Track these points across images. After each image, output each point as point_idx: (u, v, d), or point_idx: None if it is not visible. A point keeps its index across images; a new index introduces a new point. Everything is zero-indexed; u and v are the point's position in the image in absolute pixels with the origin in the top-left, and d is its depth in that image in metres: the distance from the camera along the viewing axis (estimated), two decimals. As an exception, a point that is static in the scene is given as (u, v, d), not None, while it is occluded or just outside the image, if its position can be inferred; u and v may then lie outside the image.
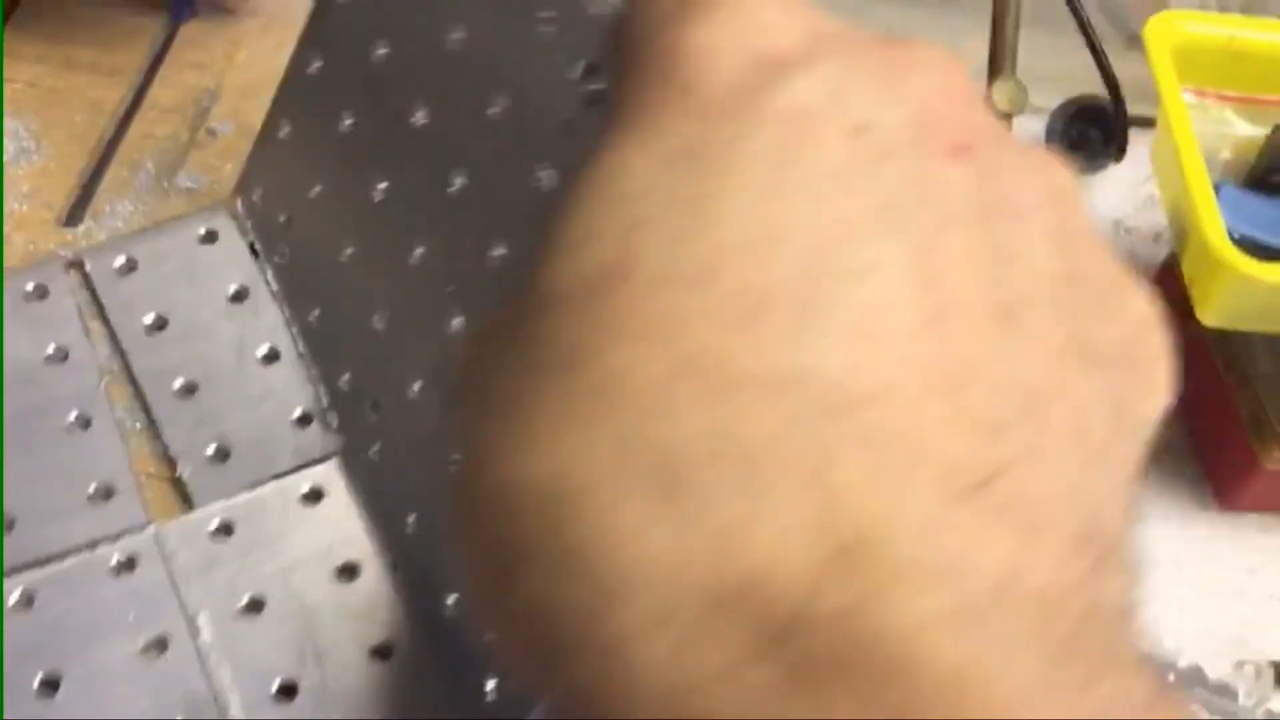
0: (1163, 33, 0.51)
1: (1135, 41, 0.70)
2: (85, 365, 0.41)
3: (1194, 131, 0.49)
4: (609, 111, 0.17)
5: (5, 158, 0.50)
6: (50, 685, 0.34)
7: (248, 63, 0.54)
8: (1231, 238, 0.46)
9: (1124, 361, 0.19)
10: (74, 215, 0.49)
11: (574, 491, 0.14)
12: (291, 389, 0.41)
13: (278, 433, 0.40)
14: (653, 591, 0.14)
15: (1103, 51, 0.56)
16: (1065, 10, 0.56)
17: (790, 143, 0.16)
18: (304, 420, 0.40)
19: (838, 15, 0.68)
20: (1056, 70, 0.67)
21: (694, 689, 0.14)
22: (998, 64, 0.55)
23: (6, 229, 0.47)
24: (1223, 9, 0.67)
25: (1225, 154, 0.53)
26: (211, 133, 0.52)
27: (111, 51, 0.54)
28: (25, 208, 0.48)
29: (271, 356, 0.41)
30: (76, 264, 0.45)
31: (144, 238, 0.46)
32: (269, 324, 0.42)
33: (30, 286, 0.43)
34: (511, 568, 0.15)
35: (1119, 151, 0.58)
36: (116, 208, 0.49)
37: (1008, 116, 0.54)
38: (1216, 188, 0.49)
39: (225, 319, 0.42)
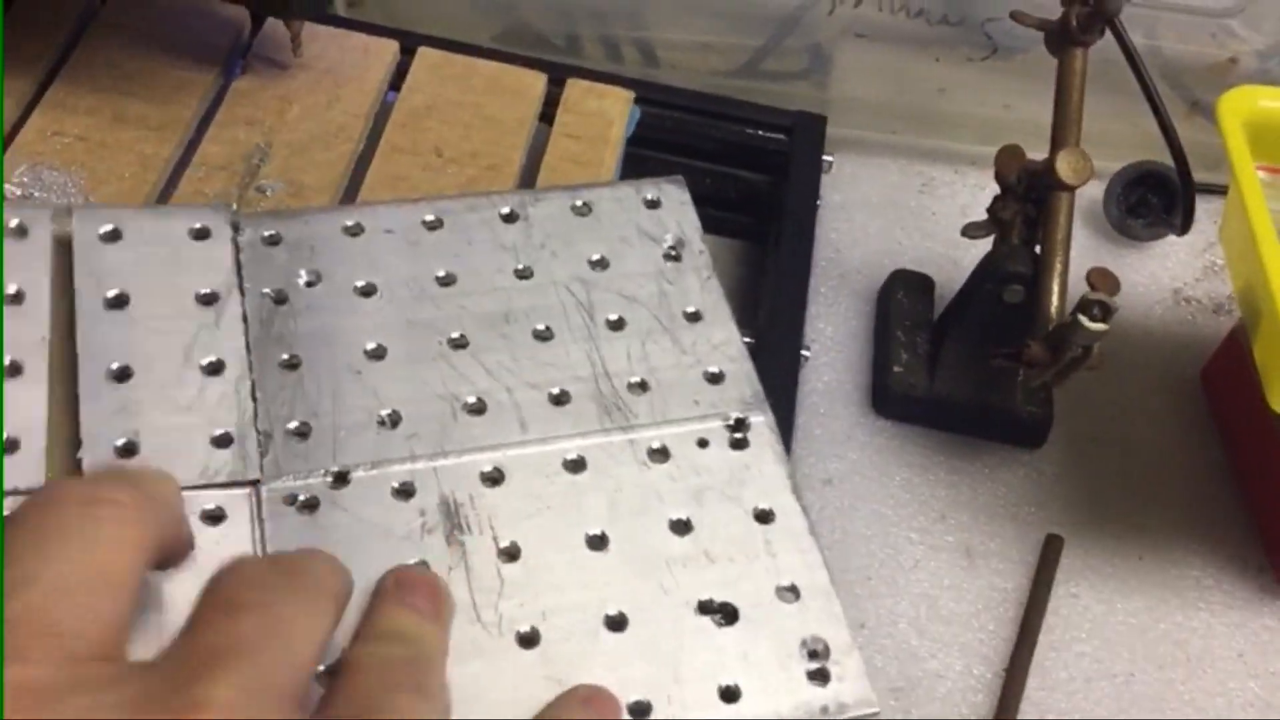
0: (1236, 108, 0.50)
1: (1196, 107, 0.69)
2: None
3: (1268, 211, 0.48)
4: None
5: (53, 213, 0.49)
6: None
7: (299, 119, 0.54)
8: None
9: None
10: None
11: None
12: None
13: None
14: None
15: (1170, 123, 0.54)
16: (1125, 72, 0.55)
17: None
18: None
19: (900, 79, 0.66)
20: (1115, 134, 0.66)
21: None
22: (1061, 135, 0.53)
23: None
24: (1290, 78, 0.65)
25: (1299, 233, 0.52)
26: (261, 190, 0.51)
27: (163, 105, 0.53)
28: (72, 265, 0.48)
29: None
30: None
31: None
32: None
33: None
34: None
35: (1185, 226, 0.57)
36: (163, 267, 0.48)
37: (1072, 188, 0.52)
38: (1290, 269, 0.47)
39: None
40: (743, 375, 0.43)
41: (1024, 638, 0.53)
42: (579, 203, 0.46)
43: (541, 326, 0.42)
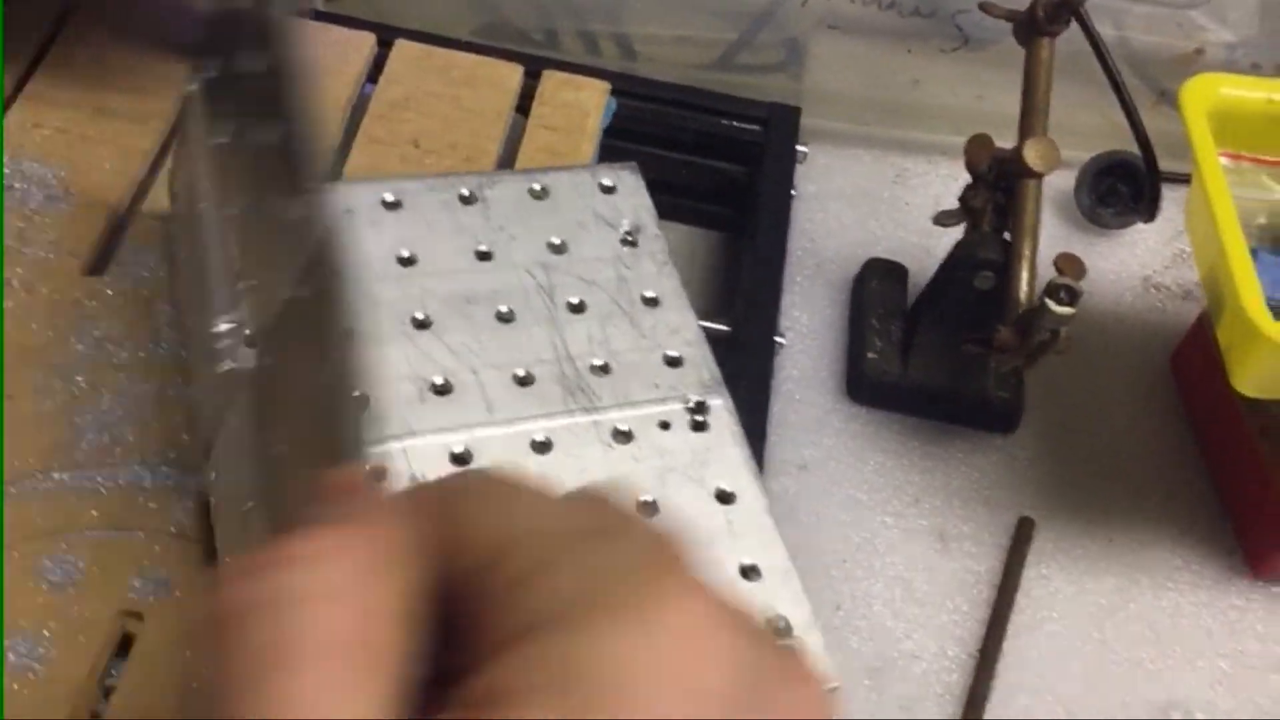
0: (1199, 95, 0.51)
1: (1164, 97, 0.70)
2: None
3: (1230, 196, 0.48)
4: None
5: (34, 205, 0.50)
6: None
7: (277, 111, 0.54)
8: (1268, 304, 0.46)
9: None
10: (99, 264, 0.49)
11: None
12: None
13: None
14: None
15: (1136, 111, 0.55)
16: (1094, 64, 0.56)
17: None
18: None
19: (874, 71, 0.67)
20: (1085, 124, 0.67)
21: None
22: (1029, 123, 0.54)
23: (32, 278, 0.47)
24: (1255, 68, 0.66)
25: (1261, 219, 0.53)
26: (240, 182, 0.51)
27: (144, 98, 0.54)
28: (51, 256, 0.48)
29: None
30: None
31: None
32: None
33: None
34: None
35: (1150, 214, 0.58)
36: (141, 256, 0.49)
37: (1039, 175, 0.53)
38: (1253, 253, 0.48)
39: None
40: (701, 359, 0.43)
41: (996, 618, 0.54)
42: (536, 186, 0.47)
43: (504, 309, 0.43)
